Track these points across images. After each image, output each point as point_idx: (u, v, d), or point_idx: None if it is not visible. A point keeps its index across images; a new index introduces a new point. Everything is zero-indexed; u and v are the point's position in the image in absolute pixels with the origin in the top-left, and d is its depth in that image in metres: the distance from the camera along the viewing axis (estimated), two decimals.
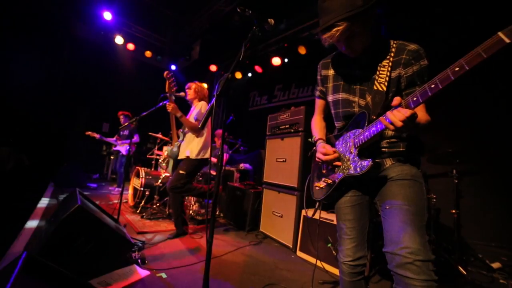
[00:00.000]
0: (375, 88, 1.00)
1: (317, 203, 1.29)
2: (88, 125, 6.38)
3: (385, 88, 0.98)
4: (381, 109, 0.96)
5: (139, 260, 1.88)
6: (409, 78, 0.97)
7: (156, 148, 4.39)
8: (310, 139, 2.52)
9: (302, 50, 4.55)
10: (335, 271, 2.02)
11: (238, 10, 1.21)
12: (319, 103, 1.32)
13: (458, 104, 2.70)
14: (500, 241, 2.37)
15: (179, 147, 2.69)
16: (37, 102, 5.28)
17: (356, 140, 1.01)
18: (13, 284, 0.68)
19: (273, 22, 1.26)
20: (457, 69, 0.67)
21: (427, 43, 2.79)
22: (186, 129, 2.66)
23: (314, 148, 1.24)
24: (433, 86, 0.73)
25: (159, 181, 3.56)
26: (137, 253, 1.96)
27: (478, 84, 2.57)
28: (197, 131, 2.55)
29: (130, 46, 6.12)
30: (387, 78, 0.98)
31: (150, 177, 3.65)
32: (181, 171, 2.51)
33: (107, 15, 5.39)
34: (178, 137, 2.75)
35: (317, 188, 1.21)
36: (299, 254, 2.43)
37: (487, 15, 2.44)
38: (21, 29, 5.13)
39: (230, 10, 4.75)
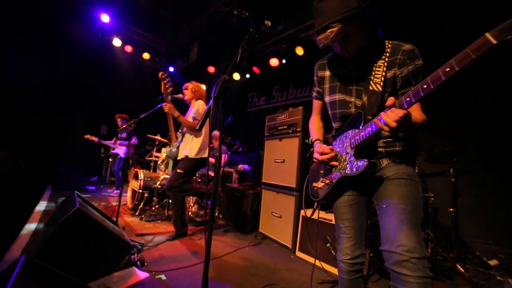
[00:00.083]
0: (370, 88, 1.01)
1: (316, 203, 1.30)
2: (86, 127, 6.35)
3: (380, 88, 0.99)
4: (377, 109, 0.97)
5: (138, 262, 1.87)
6: (404, 78, 0.99)
7: (154, 150, 4.39)
8: (307, 140, 2.54)
9: (299, 51, 4.57)
10: (334, 270, 2.03)
11: (235, 12, 1.22)
12: (316, 104, 1.33)
13: (455, 104, 2.72)
14: (497, 238, 2.39)
15: (178, 147, 2.69)
16: (35, 104, 5.26)
17: (352, 141, 1.02)
18: (11, 287, 0.68)
19: (269, 23, 1.27)
20: (447, 69, 0.69)
21: (427, 42, 2.84)
22: (185, 129, 2.66)
23: (312, 149, 1.25)
24: (425, 86, 0.74)
25: (158, 183, 3.56)
26: (136, 255, 1.95)
27: (476, 83, 2.60)
28: (196, 131, 2.55)
29: (128, 48, 6.11)
30: (382, 78, 0.99)
31: (149, 179, 3.64)
32: (178, 170, 2.51)
33: (105, 18, 5.38)
34: (177, 138, 2.75)
35: (315, 188, 1.22)
36: (298, 254, 2.44)
37: (486, 15, 2.48)
38: (18, 31, 5.12)
39: (228, 12, 4.75)
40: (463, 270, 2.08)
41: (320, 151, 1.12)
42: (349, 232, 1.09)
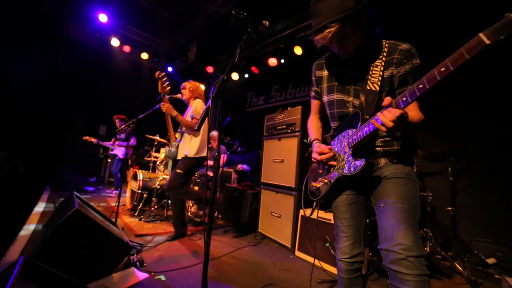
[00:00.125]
0: (368, 88, 1.02)
1: (315, 203, 1.30)
2: (84, 127, 6.34)
3: (378, 88, 0.99)
4: (375, 109, 0.98)
5: (137, 263, 1.87)
6: (402, 77, 0.99)
7: (153, 150, 4.38)
8: (306, 140, 2.55)
9: (298, 51, 4.57)
10: (334, 270, 2.03)
11: (233, 12, 1.22)
12: (314, 104, 1.34)
13: (453, 103, 2.73)
14: (495, 237, 2.40)
15: (177, 147, 2.69)
16: (33, 105, 5.23)
17: (350, 140, 1.02)
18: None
19: (268, 23, 1.27)
20: (443, 69, 0.69)
21: (427, 42, 2.84)
22: (184, 129, 2.66)
23: (311, 148, 1.26)
24: (421, 86, 0.75)
25: (157, 183, 3.55)
26: (135, 255, 1.95)
27: (475, 83, 2.61)
28: (194, 130, 2.55)
29: (126, 48, 6.10)
30: (380, 78, 1.00)
31: (148, 179, 3.64)
32: (178, 170, 2.50)
33: (103, 17, 5.36)
34: (176, 138, 2.75)
35: (314, 188, 1.22)
36: (298, 254, 2.44)
37: (486, 15, 2.49)
38: (16, 31, 5.09)
39: (226, 12, 4.76)
40: (461, 269, 2.10)
41: (319, 151, 1.12)
42: (347, 231, 1.10)
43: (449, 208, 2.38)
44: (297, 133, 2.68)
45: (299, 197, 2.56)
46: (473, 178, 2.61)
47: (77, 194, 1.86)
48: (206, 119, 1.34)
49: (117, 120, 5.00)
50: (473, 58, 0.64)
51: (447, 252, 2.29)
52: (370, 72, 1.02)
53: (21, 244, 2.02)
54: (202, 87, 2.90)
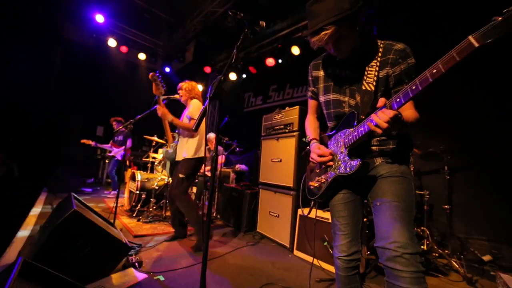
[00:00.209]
0: (363, 88, 1.03)
1: (312, 202, 1.31)
2: (82, 128, 6.31)
3: (373, 88, 1.00)
4: (370, 109, 0.99)
5: (136, 264, 1.87)
6: (397, 77, 1.00)
7: (151, 151, 4.38)
8: (304, 139, 2.56)
9: (295, 51, 4.59)
10: (332, 269, 2.04)
11: (230, 13, 1.23)
12: (311, 104, 1.35)
13: (449, 102, 2.76)
14: (491, 234, 2.43)
15: (175, 148, 2.68)
16: (30, 106, 5.21)
17: (346, 140, 1.03)
18: None
19: (264, 24, 1.28)
20: (434, 71, 0.71)
21: (427, 42, 2.86)
22: (181, 130, 2.66)
23: (308, 147, 1.26)
24: (413, 87, 0.76)
25: (155, 184, 3.55)
26: (134, 256, 1.95)
27: (471, 82, 2.63)
28: (192, 131, 2.54)
29: (123, 49, 6.08)
30: (375, 78, 1.01)
31: (146, 180, 3.63)
32: (180, 175, 2.48)
33: (99, 18, 5.34)
34: (174, 139, 2.74)
35: (311, 187, 1.23)
36: (296, 253, 2.45)
37: (486, 15, 2.48)
38: (12, 32, 5.06)
39: (223, 12, 4.76)
40: (458, 266, 2.12)
41: (319, 152, 1.12)
42: (345, 229, 1.11)
43: (446, 206, 2.40)
44: (295, 133, 2.69)
45: (297, 196, 2.57)
46: (469, 176, 2.64)
47: (75, 195, 1.86)
48: (204, 119, 1.35)
49: (114, 123, 4.98)
50: (463, 61, 0.65)
51: (443, 250, 2.31)
52: (366, 73, 1.03)
53: (18, 246, 2.01)
54: (200, 87, 2.89)
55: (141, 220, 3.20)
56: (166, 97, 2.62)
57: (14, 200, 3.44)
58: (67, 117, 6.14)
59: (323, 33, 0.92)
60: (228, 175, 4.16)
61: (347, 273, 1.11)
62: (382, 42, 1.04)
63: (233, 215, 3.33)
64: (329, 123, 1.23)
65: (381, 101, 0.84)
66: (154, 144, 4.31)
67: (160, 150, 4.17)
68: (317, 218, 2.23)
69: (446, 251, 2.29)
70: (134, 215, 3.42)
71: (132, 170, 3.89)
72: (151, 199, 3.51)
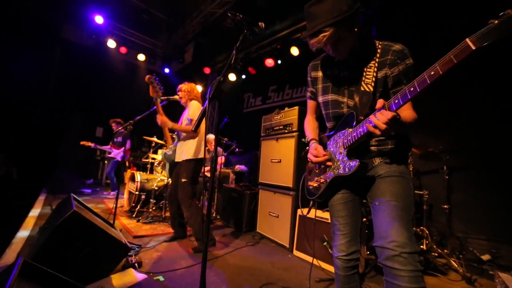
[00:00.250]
0: (362, 89, 1.03)
1: (311, 202, 1.32)
2: (81, 129, 6.31)
3: (372, 89, 1.01)
4: (369, 109, 1.00)
5: (136, 264, 1.87)
6: (396, 78, 1.01)
7: (151, 151, 4.38)
8: (303, 139, 2.56)
9: (294, 51, 4.60)
10: (332, 269, 2.04)
11: (229, 14, 1.24)
12: (310, 104, 1.36)
13: (449, 102, 2.77)
14: (489, 234, 2.44)
15: (174, 150, 2.68)
16: (29, 106, 5.20)
17: (345, 141, 1.04)
18: None
19: (263, 25, 1.29)
20: (432, 73, 0.71)
21: (427, 42, 2.86)
22: (182, 134, 2.65)
23: (307, 148, 1.27)
24: (412, 89, 0.77)
25: (155, 184, 3.55)
26: (133, 257, 1.95)
27: (469, 82, 2.63)
28: (192, 133, 2.55)
29: (123, 50, 6.09)
30: (373, 79, 1.02)
31: (146, 181, 3.63)
32: (183, 180, 2.47)
33: (99, 19, 5.35)
34: (173, 140, 2.74)
35: (310, 187, 1.24)
36: (296, 253, 2.46)
37: (486, 14, 2.48)
38: (11, 33, 5.06)
39: (223, 13, 4.77)
40: (457, 266, 2.13)
41: (314, 153, 1.14)
42: (344, 229, 1.11)
43: (445, 206, 2.41)
44: (294, 133, 2.70)
45: (297, 197, 2.58)
46: (469, 176, 2.65)
47: (75, 196, 1.86)
48: (204, 120, 1.35)
49: (113, 124, 4.98)
50: (461, 63, 0.66)
51: (443, 249, 2.32)
52: (364, 73, 1.04)
53: (18, 247, 2.01)
54: (199, 88, 2.89)
55: (140, 220, 3.20)
56: (165, 98, 2.63)
57: (13, 201, 3.43)
58: (66, 118, 6.14)
59: (321, 35, 0.93)
60: (227, 175, 4.16)
61: (346, 273, 1.11)
62: (380, 43, 1.05)
63: (232, 216, 3.34)
64: (328, 123, 1.24)
65: (380, 102, 0.85)
66: (153, 145, 4.31)
67: (160, 151, 4.17)
68: (316, 218, 2.23)
69: (445, 251, 2.30)
70: (133, 215, 3.42)
71: (132, 171, 3.89)
72: (151, 200, 3.51)
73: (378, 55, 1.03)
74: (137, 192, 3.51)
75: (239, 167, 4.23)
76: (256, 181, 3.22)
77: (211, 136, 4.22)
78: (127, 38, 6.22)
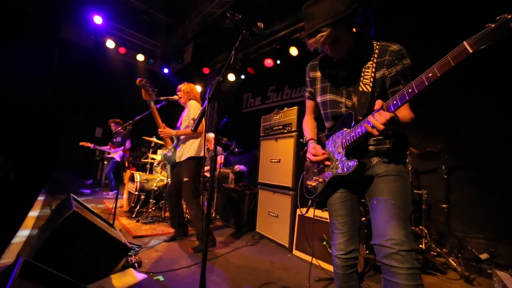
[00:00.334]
0: (360, 89, 1.04)
1: (310, 201, 1.33)
2: (81, 130, 6.30)
3: (370, 89, 1.02)
4: (367, 110, 1.01)
5: (135, 264, 1.88)
6: (393, 78, 1.02)
7: (150, 151, 4.38)
8: (302, 139, 2.57)
9: (294, 51, 4.61)
10: (331, 268, 2.05)
11: (228, 15, 1.24)
12: (309, 104, 1.36)
13: (448, 102, 2.77)
14: (488, 233, 2.45)
15: (173, 151, 2.68)
16: (28, 107, 5.20)
17: (344, 141, 1.05)
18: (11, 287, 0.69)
19: (262, 26, 1.30)
20: (430, 75, 0.72)
21: (426, 42, 2.87)
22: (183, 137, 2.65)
23: (306, 147, 1.28)
24: (410, 90, 0.78)
25: (154, 184, 3.55)
26: (133, 257, 1.95)
27: (468, 81, 2.64)
28: (193, 135, 2.55)
29: (122, 50, 6.08)
30: (371, 79, 1.03)
31: (145, 181, 3.63)
32: (185, 179, 2.47)
33: (98, 19, 5.35)
34: (172, 141, 2.75)
35: (309, 186, 1.24)
36: (295, 253, 2.46)
37: (486, 14, 2.52)
38: (10, 34, 5.05)
39: (222, 13, 4.78)
40: (455, 265, 2.14)
41: (313, 152, 1.15)
42: (342, 228, 1.12)
43: (444, 206, 2.42)
44: (293, 133, 2.70)
45: (296, 196, 2.58)
46: (467, 176, 2.66)
47: (74, 196, 1.86)
48: (203, 120, 1.36)
49: (112, 124, 4.98)
50: (458, 65, 0.67)
51: (441, 248, 2.33)
52: (362, 74, 1.05)
53: (17, 247, 2.01)
54: (198, 88, 2.89)
55: (140, 221, 3.20)
56: (165, 98, 2.63)
57: (13, 201, 3.43)
58: (65, 118, 6.13)
59: (319, 35, 0.94)
60: (227, 175, 4.17)
61: (345, 271, 1.12)
62: (378, 43, 1.06)
63: (232, 216, 3.34)
64: (326, 123, 1.25)
65: (378, 103, 0.86)
66: (153, 145, 4.31)
67: (159, 151, 4.17)
68: (315, 217, 2.24)
69: (444, 250, 2.31)
70: (133, 216, 3.42)
71: (131, 171, 3.89)
72: (150, 200, 3.51)
73: (376, 55, 1.04)
74: (136, 192, 3.51)
75: (238, 167, 4.23)
76: (256, 181, 3.23)
77: (211, 135, 4.23)
78: (126, 39, 6.21)
